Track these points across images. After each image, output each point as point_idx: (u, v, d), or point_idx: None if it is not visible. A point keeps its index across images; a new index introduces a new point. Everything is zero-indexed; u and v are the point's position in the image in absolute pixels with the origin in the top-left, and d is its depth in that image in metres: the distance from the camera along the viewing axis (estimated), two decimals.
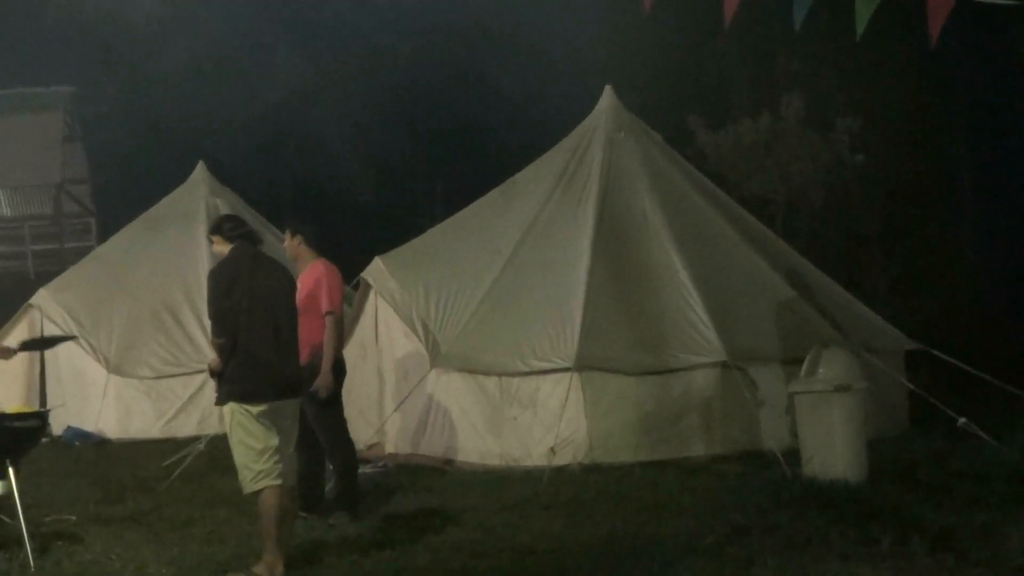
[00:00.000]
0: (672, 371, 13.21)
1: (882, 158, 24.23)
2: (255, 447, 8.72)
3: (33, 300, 18.83)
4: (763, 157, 24.58)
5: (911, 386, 14.17)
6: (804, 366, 11.78)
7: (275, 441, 8.77)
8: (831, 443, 11.31)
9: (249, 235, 9.40)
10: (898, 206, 24.33)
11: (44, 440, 11.12)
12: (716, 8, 8.70)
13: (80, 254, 22.96)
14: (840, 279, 15.82)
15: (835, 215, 24.43)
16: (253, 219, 19.49)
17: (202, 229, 13.91)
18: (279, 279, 9.29)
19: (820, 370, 11.57)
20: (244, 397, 8.75)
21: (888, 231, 24.30)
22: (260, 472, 8.70)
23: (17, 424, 9.97)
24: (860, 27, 8.50)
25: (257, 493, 8.74)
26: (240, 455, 8.79)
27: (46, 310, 18.58)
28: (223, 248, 9.31)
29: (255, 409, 8.73)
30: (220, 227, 9.45)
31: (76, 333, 18.14)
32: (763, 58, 24.67)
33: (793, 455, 11.66)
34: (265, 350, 8.87)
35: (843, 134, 24.52)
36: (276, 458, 8.73)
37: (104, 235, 24.33)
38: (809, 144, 24.71)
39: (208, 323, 9.67)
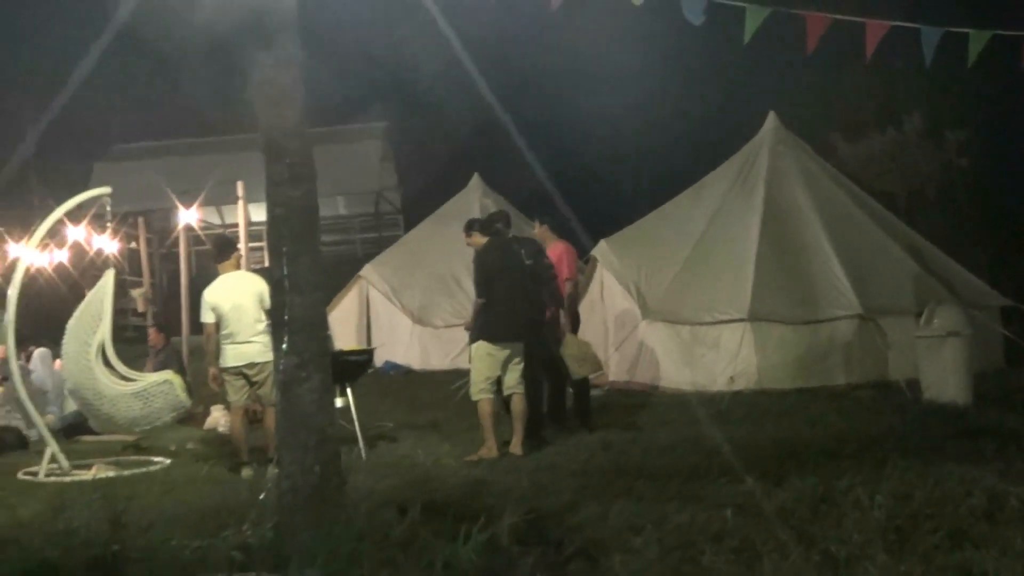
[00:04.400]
0: (820, 321, 12.95)
1: (984, 161, 23.41)
2: (484, 373, 9.41)
3: (361, 273, 19.49)
4: (889, 162, 23.96)
5: (1006, 333, 13.62)
6: (923, 317, 11.46)
7: (497, 373, 9.41)
8: (944, 375, 10.97)
9: (497, 231, 9.84)
10: (996, 198, 23.34)
11: (370, 370, 11.43)
12: (857, 45, 8.41)
13: (392, 240, 23.47)
14: (949, 253, 15.19)
15: (946, 205, 23.67)
16: (513, 213, 19.67)
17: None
18: (519, 260, 9.66)
19: (936, 320, 11.23)
20: (489, 338, 9.39)
21: (987, 217, 23.36)
22: (481, 389, 9.40)
23: (352, 358, 10.35)
24: (972, 57, 8.11)
25: (477, 403, 9.45)
26: (474, 375, 9.51)
27: (370, 279, 19.19)
28: (480, 240, 9.78)
29: (493, 347, 9.36)
30: (475, 227, 9.97)
31: (391, 296, 18.68)
32: (888, 85, 23.88)
33: (915, 384, 11.27)
34: (505, 309, 9.40)
35: (953, 143, 23.77)
36: (493, 381, 9.41)
37: (409, 226, 24.83)
38: (925, 151, 24.01)
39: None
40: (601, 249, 15.01)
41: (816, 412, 10.70)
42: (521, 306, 9.47)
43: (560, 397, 10.80)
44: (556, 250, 10.77)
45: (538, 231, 11.17)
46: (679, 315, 13.55)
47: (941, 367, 11.01)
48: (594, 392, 11.86)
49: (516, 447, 9.31)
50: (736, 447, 8.40)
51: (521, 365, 9.49)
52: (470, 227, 9.93)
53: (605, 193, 27.84)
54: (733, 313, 12.95)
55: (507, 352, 9.39)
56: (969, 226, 23.02)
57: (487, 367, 9.39)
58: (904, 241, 14.50)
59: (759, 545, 5.43)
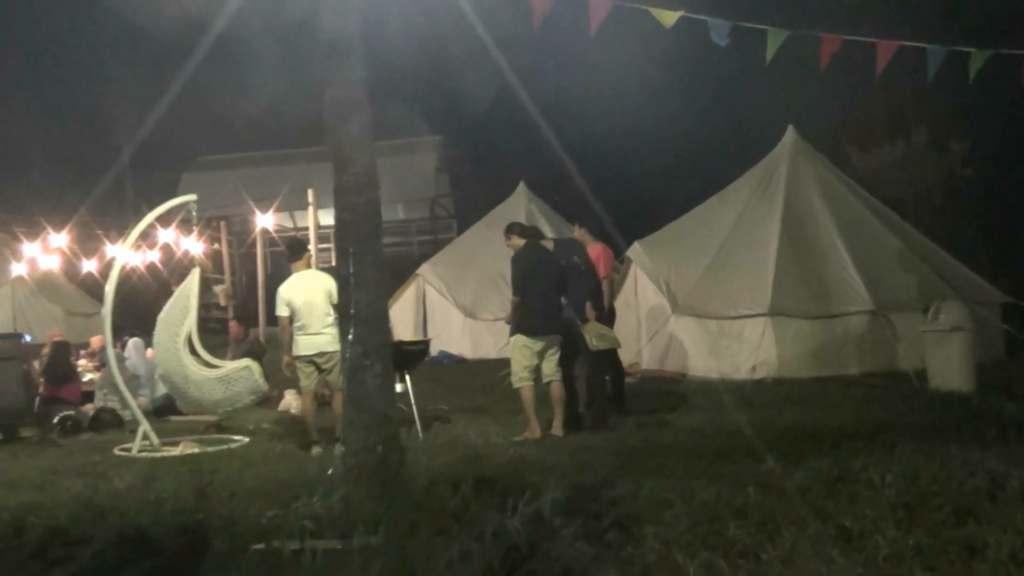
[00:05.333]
0: (835, 316, 12.85)
1: (985, 170, 23.09)
2: (522, 363, 9.37)
3: (418, 271, 19.57)
4: (898, 170, 23.71)
5: (1007, 327, 13.46)
6: (930, 313, 11.31)
7: (535, 362, 9.37)
8: (949, 366, 10.82)
9: (532, 235, 9.90)
10: (996, 204, 23.01)
11: (426, 359, 11.44)
12: (867, 65, 8.31)
13: (446, 242, 23.54)
14: (954, 254, 15.00)
15: (950, 210, 23.38)
16: (555, 217, 19.64)
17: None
18: (550, 263, 9.64)
19: (941, 316, 11.09)
20: (525, 332, 9.35)
21: (989, 221, 23.04)
22: (522, 378, 9.36)
23: (410, 348, 10.37)
24: (972, 74, 7.98)
25: (519, 390, 9.41)
26: (514, 365, 9.43)
27: (426, 277, 19.26)
28: (518, 242, 9.70)
29: (530, 339, 9.32)
30: (515, 230, 9.89)
31: (445, 292, 18.72)
32: (897, 100, 23.60)
33: (922, 374, 11.12)
34: (539, 305, 9.36)
35: (957, 154, 23.50)
36: (532, 370, 9.35)
37: (461, 229, 24.86)
38: (931, 161, 23.74)
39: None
40: (635, 250, 14.96)
41: (831, 399, 10.60)
42: (554, 303, 9.46)
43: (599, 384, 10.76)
44: (594, 251, 10.73)
45: (578, 233, 11.15)
46: (706, 310, 13.47)
47: (946, 358, 10.86)
48: (629, 379, 11.82)
49: (557, 429, 9.29)
50: (758, 430, 8.33)
51: (557, 355, 9.46)
52: (510, 230, 9.89)
53: (638, 199, 27.74)
54: (755, 308, 12.88)
55: (542, 344, 9.36)
56: (972, 229, 22.72)
57: (525, 357, 9.36)
58: (912, 243, 14.35)
59: (779, 519, 5.39)
